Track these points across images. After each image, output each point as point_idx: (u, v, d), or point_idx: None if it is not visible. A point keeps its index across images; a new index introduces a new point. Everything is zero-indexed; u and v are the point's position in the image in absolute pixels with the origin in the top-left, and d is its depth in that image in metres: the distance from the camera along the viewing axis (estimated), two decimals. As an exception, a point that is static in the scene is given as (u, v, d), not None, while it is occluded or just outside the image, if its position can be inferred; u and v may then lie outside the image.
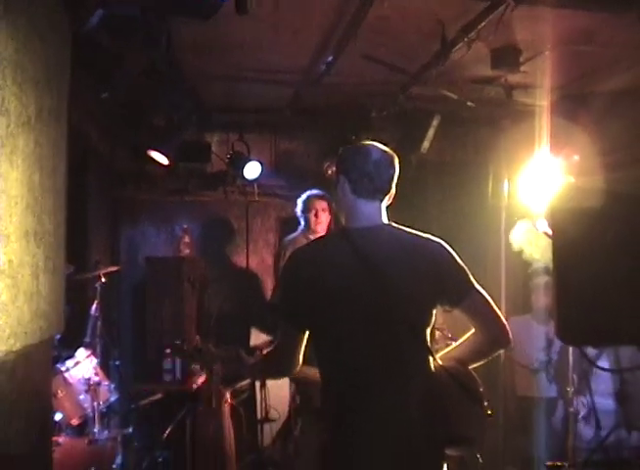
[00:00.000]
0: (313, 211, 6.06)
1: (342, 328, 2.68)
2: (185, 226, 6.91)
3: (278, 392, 6.46)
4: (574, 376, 4.97)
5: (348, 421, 2.71)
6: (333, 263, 2.70)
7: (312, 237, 5.72)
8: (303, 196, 6.16)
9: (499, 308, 2.77)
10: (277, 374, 3.04)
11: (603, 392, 5.48)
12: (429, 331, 2.76)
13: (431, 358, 2.75)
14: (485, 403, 2.82)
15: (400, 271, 2.66)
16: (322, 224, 6.14)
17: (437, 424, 2.70)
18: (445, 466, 2.84)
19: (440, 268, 2.72)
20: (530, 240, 5.25)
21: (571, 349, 4.81)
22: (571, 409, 4.83)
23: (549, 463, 2.80)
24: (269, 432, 6.76)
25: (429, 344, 2.75)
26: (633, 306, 2.00)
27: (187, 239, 6.84)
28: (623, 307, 2.00)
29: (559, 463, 2.73)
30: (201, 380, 6.03)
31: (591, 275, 2.03)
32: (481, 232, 6.58)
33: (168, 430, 5.33)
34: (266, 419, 6.73)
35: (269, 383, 6.61)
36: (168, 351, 6.01)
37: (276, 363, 2.95)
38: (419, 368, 2.72)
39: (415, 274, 2.67)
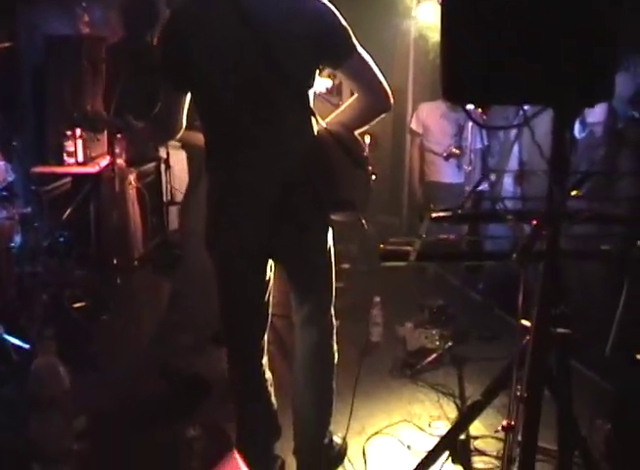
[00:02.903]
0: None
1: (221, 87, 2.60)
2: (84, 4, 6.54)
3: (184, 175, 6.40)
4: (473, 155, 5.03)
5: (228, 178, 2.71)
6: (212, 20, 2.56)
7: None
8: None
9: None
10: (163, 136, 2.99)
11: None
12: (312, 93, 2.70)
13: (314, 121, 2.71)
14: (370, 168, 2.81)
15: (281, 28, 2.54)
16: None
17: (320, 186, 2.70)
18: (330, 231, 2.88)
19: (322, 26, 2.61)
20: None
21: (469, 126, 4.83)
22: (467, 188, 4.90)
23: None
24: (175, 215, 6.79)
25: (312, 105, 2.69)
26: (523, 67, 1.95)
27: (86, 18, 6.50)
28: (511, 66, 1.95)
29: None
30: (104, 162, 5.93)
31: (479, 32, 1.96)
32: (391, 15, 6.42)
33: (69, 211, 5.26)
34: (172, 202, 6.74)
35: (175, 166, 6.57)
36: (69, 133, 5.86)
37: (161, 125, 2.89)
38: (301, 129, 2.69)
39: (296, 31, 2.56)
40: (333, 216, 2.82)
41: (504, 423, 2.09)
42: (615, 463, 2.77)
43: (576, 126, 5.27)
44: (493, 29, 1.93)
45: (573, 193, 1.93)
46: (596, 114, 4.95)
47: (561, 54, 1.92)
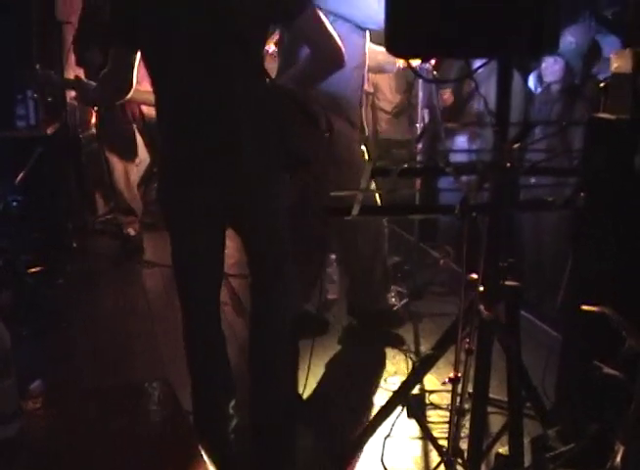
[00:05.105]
0: None
1: (170, 43, 2.56)
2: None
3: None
4: (427, 112, 5.01)
5: (177, 135, 2.70)
6: None
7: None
8: None
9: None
10: (115, 94, 2.93)
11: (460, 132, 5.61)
12: (263, 50, 2.68)
13: (265, 78, 2.69)
14: (324, 123, 2.79)
15: None
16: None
17: (272, 144, 2.69)
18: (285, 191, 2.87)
19: None
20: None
21: (421, 83, 4.80)
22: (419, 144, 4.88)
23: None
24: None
25: (264, 63, 2.67)
26: (466, 20, 1.95)
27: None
28: (454, 20, 1.95)
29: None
30: (56, 126, 5.86)
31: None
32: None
33: (21, 175, 5.19)
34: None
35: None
36: (20, 97, 5.77)
37: (111, 83, 2.85)
38: (252, 86, 2.65)
39: None
40: (287, 174, 2.80)
41: (451, 375, 2.11)
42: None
43: (533, 82, 5.31)
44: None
45: (515, 146, 1.94)
46: (554, 72, 4.97)
47: (505, 6, 1.92)
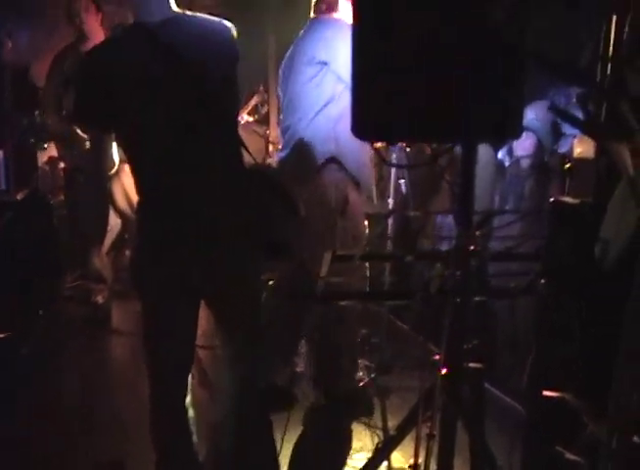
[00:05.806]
0: None
1: (144, 123, 2.60)
2: (8, 30, 6.42)
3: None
4: (403, 186, 5.03)
5: (155, 215, 2.71)
6: (133, 61, 2.57)
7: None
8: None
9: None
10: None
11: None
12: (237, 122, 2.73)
13: (243, 154, 2.73)
14: (302, 210, 2.81)
15: (200, 58, 2.58)
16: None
17: (252, 229, 2.70)
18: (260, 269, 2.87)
19: (234, 55, 2.70)
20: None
21: (393, 157, 4.83)
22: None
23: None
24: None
25: (240, 138, 2.71)
26: (431, 106, 1.98)
27: (10, 44, 6.39)
28: (418, 106, 1.98)
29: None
30: (26, 191, 5.84)
31: (389, 74, 1.99)
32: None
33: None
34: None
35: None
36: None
37: (95, 163, 2.89)
38: (229, 161, 2.70)
39: (215, 59, 2.62)
40: (267, 260, 2.81)
41: (411, 461, 2.10)
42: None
43: (502, 154, 5.35)
44: (402, 70, 1.97)
45: (477, 233, 1.96)
46: (525, 148, 5.00)
47: (469, 94, 1.95)
